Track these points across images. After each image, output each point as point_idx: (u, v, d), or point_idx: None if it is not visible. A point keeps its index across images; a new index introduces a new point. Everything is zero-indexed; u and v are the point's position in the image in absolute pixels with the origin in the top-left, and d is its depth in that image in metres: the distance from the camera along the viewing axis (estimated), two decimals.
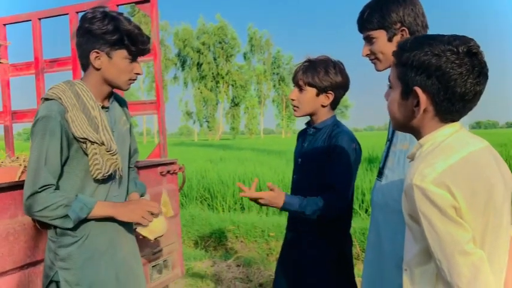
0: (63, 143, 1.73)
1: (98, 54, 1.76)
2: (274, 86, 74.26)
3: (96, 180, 1.82)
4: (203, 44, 64.82)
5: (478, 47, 1.19)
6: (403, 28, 1.78)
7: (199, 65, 66.47)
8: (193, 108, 69.58)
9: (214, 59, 66.70)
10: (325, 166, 2.08)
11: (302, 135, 2.35)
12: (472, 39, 1.19)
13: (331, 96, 2.15)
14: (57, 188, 1.77)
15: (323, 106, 2.17)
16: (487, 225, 1.17)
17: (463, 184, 1.13)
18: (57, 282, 1.81)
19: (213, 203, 8.67)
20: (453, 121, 1.26)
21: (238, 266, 5.04)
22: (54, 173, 1.73)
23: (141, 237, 2.01)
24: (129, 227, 1.98)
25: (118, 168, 1.86)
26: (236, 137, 72.39)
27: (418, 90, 1.20)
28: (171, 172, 3.17)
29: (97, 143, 1.76)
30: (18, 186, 2.17)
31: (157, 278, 2.96)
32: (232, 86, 68.74)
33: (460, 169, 1.15)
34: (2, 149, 4.11)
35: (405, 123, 1.30)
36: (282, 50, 74.06)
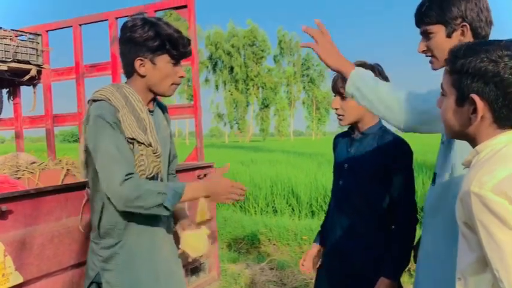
0: (123, 137, 1.75)
1: (142, 62, 1.78)
2: (304, 87, 73.86)
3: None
4: (233, 46, 65.22)
5: None
6: (464, 24, 1.63)
7: (230, 67, 66.93)
8: (223, 111, 70.05)
9: (245, 62, 67.00)
10: (386, 178, 2.07)
11: (344, 140, 2.31)
12: None
13: None
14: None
15: (368, 111, 2.14)
16: None
17: None
18: (99, 284, 1.82)
19: (245, 205, 8.69)
20: (511, 128, 1.22)
21: (271, 269, 5.03)
22: (131, 162, 1.73)
23: (180, 251, 2.02)
24: (168, 228, 1.98)
25: (160, 171, 1.87)
26: (266, 138, 72.34)
27: (476, 97, 1.18)
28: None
29: (144, 144, 1.78)
30: (62, 189, 2.23)
31: (195, 281, 2.99)
32: (263, 88, 68.79)
33: None
34: (40, 151, 4.24)
35: (461, 131, 1.28)
36: (311, 51, 73.59)
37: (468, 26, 1.63)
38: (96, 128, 1.70)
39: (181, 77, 1.87)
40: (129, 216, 1.78)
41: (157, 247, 1.90)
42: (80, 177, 3.01)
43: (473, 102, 1.19)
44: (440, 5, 1.65)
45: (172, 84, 1.86)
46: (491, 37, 1.69)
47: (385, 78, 2.11)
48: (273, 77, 69.16)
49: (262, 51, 67.67)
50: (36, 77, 4.11)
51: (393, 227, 2.11)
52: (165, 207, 1.69)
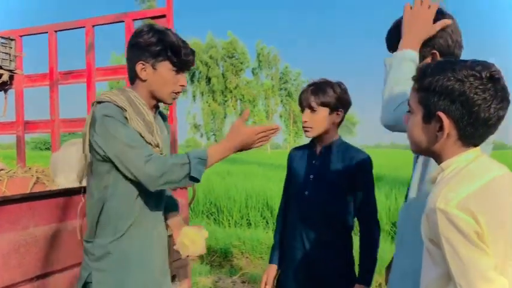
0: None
1: (143, 66, 1.81)
2: (282, 101, 74.28)
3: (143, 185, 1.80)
4: (211, 57, 65.32)
5: (500, 72, 1.19)
6: (434, 51, 1.65)
7: (208, 78, 66.91)
8: (200, 121, 69.78)
9: (223, 73, 67.13)
10: (352, 190, 2.22)
11: (304, 153, 2.39)
12: (493, 64, 1.20)
13: (341, 114, 2.25)
14: (109, 189, 1.77)
15: (334, 124, 2.26)
16: (507, 253, 1.16)
17: (487, 210, 1.12)
18: (90, 284, 1.80)
19: (219, 217, 8.65)
20: (475, 145, 1.26)
21: (243, 282, 5.01)
22: (147, 145, 1.73)
23: (177, 246, 1.99)
24: (162, 232, 1.97)
25: None
26: (243, 151, 72.20)
27: (442, 115, 1.20)
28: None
29: (151, 145, 1.80)
30: (30, 198, 2.18)
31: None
32: (241, 100, 68.94)
33: (483, 195, 1.15)
34: (9, 158, 4.13)
35: (427, 148, 1.30)
36: (289, 65, 74.30)
37: (437, 52, 1.65)
38: (106, 124, 1.70)
39: (182, 85, 1.88)
40: (127, 216, 1.80)
41: (149, 252, 1.88)
42: (51, 185, 2.96)
43: (440, 120, 1.21)
44: None
45: (172, 92, 1.87)
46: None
47: (343, 100, 2.23)
48: (251, 90, 69.40)
49: (241, 63, 67.92)
50: (8, 83, 4.02)
51: (359, 235, 2.24)
52: (194, 178, 1.70)
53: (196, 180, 1.72)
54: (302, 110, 2.28)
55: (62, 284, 2.30)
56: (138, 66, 1.81)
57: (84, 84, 3.70)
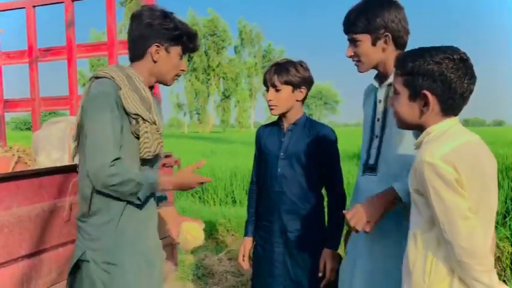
0: (120, 119, 1.76)
1: (158, 48, 1.86)
2: None
3: (141, 161, 1.85)
4: None
5: (466, 54, 1.47)
6: (387, 33, 1.85)
7: (190, 57, 66.35)
8: (183, 100, 69.37)
9: (205, 51, 66.48)
10: (320, 162, 2.34)
11: (272, 130, 2.49)
12: (459, 49, 1.48)
13: (304, 91, 2.37)
14: None
15: (297, 101, 2.37)
16: (480, 199, 1.43)
17: (464, 162, 1.39)
18: (84, 262, 1.81)
19: (204, 196, 8.65)
20: (454, 115, 1.53)
21: (229, 259, 5.04)
22: (119, 147, 1.75)
23: (180, 240, 2.11)
24: (154, 215, 2.00)
25: (161, 149, 1.91)
26: (226, 129, 72.08)
27: (427, 92, 1.47)
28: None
29: (149, 122, 1.82)
30: (12, 177, 2.14)
31: None
32: (223, 78, 68.53)
33: (462, 150, 1.42)
34: None
35: (413, 122, 1.55)
36: (273, 43, 73.96)
37: (390, 35, 1.85)
38: (93, 107, 1.73)
39: (183, 70, 1.98)
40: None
41: (143, 232, 1.91)
42: (33, 165, 2.91)
43: (425, 97, 1.48)
44: (366, 16, 1.85)
45: (175, 75, 1.97)
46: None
47: (306, 78, 2.34)
48: (234, 68, 68.99)
49: (223, 41, 67.35)
50: None
51: (327, 203, 2.41)
52: (138, 198, 1.77)
53: (139, 200, 1.78)
54: (267, 90, 2.38)
55: (47, 263, 2.28)
56: (153, 48, 1.86)
57: (65, 61, 3.61)
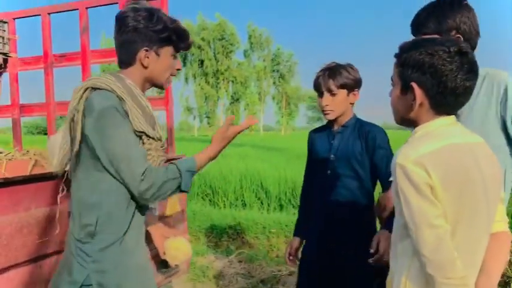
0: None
1: (147, 53, 1.75)
2: (274, 82, 74.06)
3: None
4: (203, 39, 64.73)
5: (468, 47, 1.34)
6: (458, 35, 1.81)
7: (200, 61, 66.43)
8: (193, 104, 69.54)
9: (214, 55, 66.61)
10: (371, 163, 2.30)
11: (322, 134, 2.49)
12: (463, 42, 1.36)
13: (357, 94, 2.38)
14: (101, 186, 1.68)
15: (351, 104, 2.38)
16: (461, 211, 1.31)
17: (439, 167, 1.28)
18: (88, 286, 1.68)
19: (214, 198, 8.71)
20: (448, 114, 1.40)
21: (240, 262, 5.08)
22: (144, 155, 1.66)
23: (164, 257, 2.07)
24: (143, 225, 1.91)
25: (161, 164, 1.81)
26: None
27: (414, 85, 1.36)
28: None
29: (153, 139, 1.74)
30: (30, 179, 2.21)
31: (164, 273, 3.00)
32: (233, 82, 68.64)
33: (439, 154, 1.30)
34: (3, 143, 4.13)
35: (404, 116, 1.46)
36: (282, 47, 73.88)
37: (461, 36, 1.80)
38: (104, 121, 1.61)
39: (178, 69, 1.88)
40: (126, 214, 1.72)
41: (140, 243, 1.84)
42: (49, 168, 2.98)
43: (413, 90, 1.36)
44: (437, 17, 1.83)
45: (169, 76, 1.86)
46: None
47: (358, 80, 2.33)
48: (243, 72, 69.05)
49: (231, 45, 67.44)
50: (2, 66, 4.00)
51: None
52: (183, 190, 1.71)
53: (185, 191, 1.72)
54: (320, 95, 2.35)
55: None
56: (142, 53, 1.74)
57: (79, 67, 3.69)
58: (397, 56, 1.43)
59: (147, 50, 1.75)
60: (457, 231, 1.32)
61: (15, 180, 2.11)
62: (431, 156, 1.29)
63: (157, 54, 1.77)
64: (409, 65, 1.36)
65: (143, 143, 1.70)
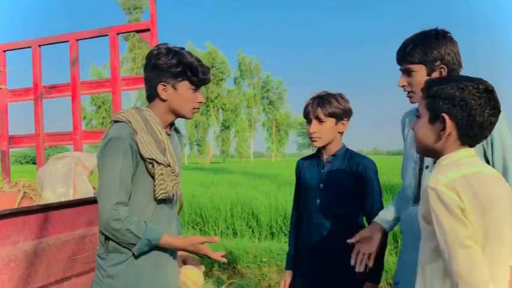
0: (133, 164, 1.81)
1: (164, 87, 1.90)
2: (264, 109, 74.45)
3: (156, 201, 1.89)
4: None
5: (493, 86, 1.45)
6: (442, 66, 1.89)
7: None
8: (184, 132, 69.65)
9: None
10: (360, 194, 2.34)
11: (312, 163, 2.49)
12: (486, 81, 1.46)
13: (345, 123, 2.40)
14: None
15: (339, 133, 2.40)
16: (487, 236, 1.38)
17: (470, 191, 1.37)
18: None
19: (205, 227, 8.63)
20: (470, 146, 1.50)
21: None
22: (127, 192, 1.81)
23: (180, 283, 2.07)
24: (173, 253, 2.01)
25: (178, 190, 1.96)
26: (226, 160, 72.10)
27: (445, 116, 1.45)
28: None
29: (163, 165, 1.86)
30: (19, 213, 2.19)
31: None
32: (223, 109, 68.98)
33: (470, 179, 1.39)
34: None
35: (430, 146, 1.53)
36: (271, 74, 74.68)
37: (445, 67, 1.89)
38: (108, 150, 1.79)
39: (200, 102, 1.99)
40: None
41: (161, 271, 1.91)
42: (38, 200, 2.96)
43: (443, 120, 1.46)
44: (423, 48, 1.90)
45: (192, 108, 1.98)
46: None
47: (347, 110, 2.37)
48: (233, 99, 69.46)
49: (221, 73, 68.05)
50: None
51: None
52: (135, 250, 1.79)
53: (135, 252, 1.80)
54: (309, 122, 2.39)
55: None
56: (160, 87, 1.90)
57: (69, 98, 3.71)
58: (426, 89, 1.53)
59: (164, 85, 1.90)
60: (484, 256, 1.37)
61: (3, 213, 2.10)
62: (461, 181, 1.38)
63: (175, 88, 1.91)
64: (441, 97, 1.45)
65: (154, 169, 1.84)
